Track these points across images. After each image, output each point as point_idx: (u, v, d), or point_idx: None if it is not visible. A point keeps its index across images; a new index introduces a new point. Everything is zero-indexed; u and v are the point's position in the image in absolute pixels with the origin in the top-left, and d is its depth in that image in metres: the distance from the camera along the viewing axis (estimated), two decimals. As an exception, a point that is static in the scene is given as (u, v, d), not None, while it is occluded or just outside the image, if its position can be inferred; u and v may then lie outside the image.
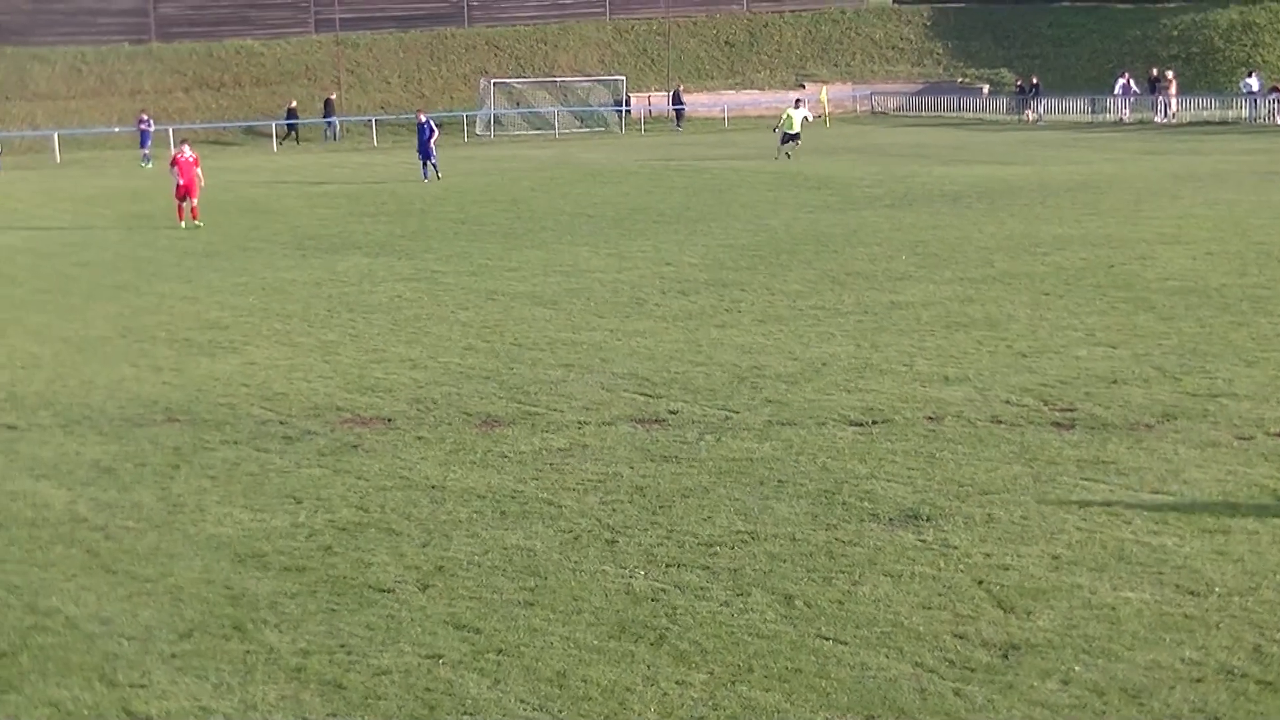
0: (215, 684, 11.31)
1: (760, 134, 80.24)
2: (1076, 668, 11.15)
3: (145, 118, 72.58)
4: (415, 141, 59.21)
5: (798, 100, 70.34)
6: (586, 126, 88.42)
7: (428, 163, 56.19)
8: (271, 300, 29.65)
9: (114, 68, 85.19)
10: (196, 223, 42.91)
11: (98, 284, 32.68)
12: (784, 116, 63.54)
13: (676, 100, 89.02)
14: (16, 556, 14.49)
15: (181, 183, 43.34)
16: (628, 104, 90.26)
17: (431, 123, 57.70)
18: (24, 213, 48.38)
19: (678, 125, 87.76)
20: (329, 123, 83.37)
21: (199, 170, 43.63)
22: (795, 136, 62.42)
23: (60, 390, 21.95)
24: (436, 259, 34.91)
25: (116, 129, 78.52)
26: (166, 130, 77.77)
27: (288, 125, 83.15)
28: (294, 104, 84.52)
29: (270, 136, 79.99)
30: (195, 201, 43.43)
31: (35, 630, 12.48)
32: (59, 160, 72.39)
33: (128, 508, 16.01)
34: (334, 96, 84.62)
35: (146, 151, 69.89)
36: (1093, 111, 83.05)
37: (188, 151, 43.70)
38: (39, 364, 23.94)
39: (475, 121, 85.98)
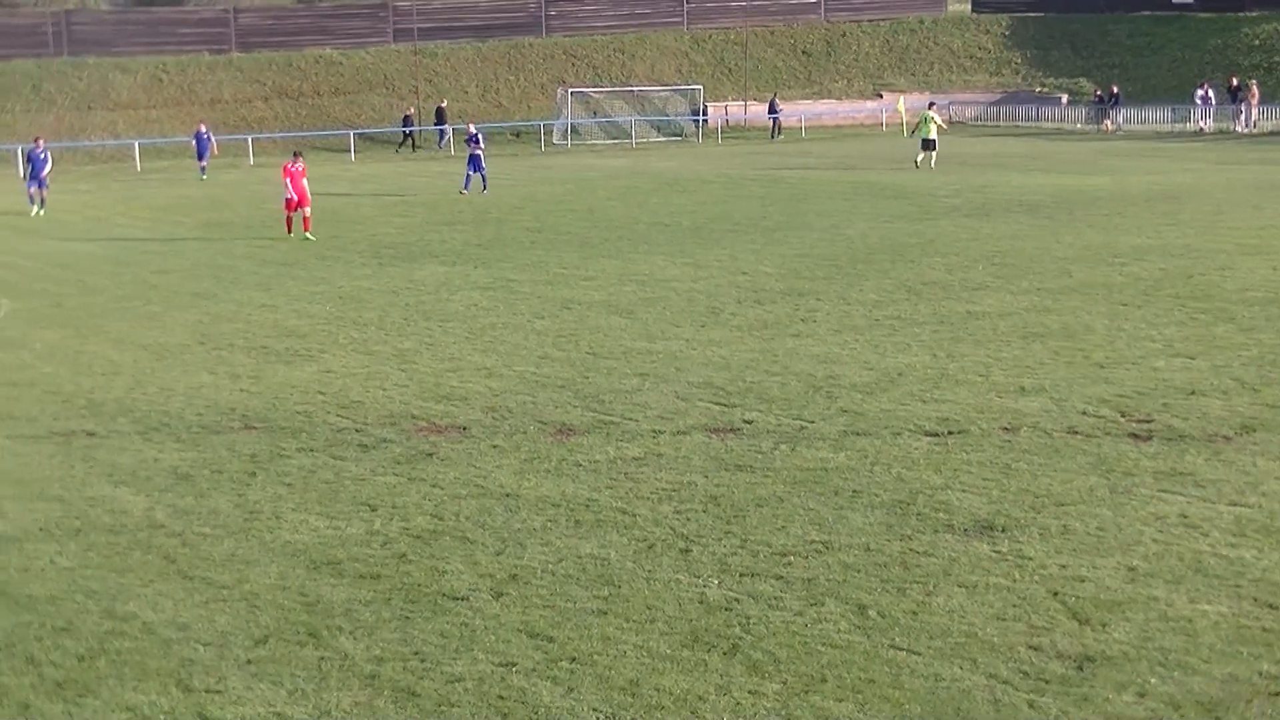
0: (290, 690, 11.38)
1: (837, 143, 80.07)
2: (1152, 680, 11.06)
3: (204, 129, 70.71)
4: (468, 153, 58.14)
5: (931, 103, 69.85)
6: (663, 136, 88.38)
7: (475, 174, 55.02)
8: (348, 308, 29.79)
9: (194, 77, 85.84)
10: (307, 235, 42.27)
11: (177, 292, 32.92)
12: (921, 120, 62.88)
13: (772, 109, 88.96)
14: (95, 562, 14.62)
15: (293, 195, 42.61)
16: (705, 113, 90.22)
17: (480, 135, 56.86)
18: (105, 221, 48.79)
19: (775, 135, 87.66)
20: (441, 130, 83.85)
21: (305, 181, 43.09)
22: (932, 144, 61.63)
23: (139, 397, 22.13)
24: (513, 268, 34.99)
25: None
26: (246, 140, 78.32)
27: (404, 132, 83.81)
28: (410, 111, 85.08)
29: (347, 150, 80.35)
30: (307, 212, 42.66)
31: (113, 635, 12.59)
32: (140, 169, 72.96)
33: (205, 514, 16.13)
34: (445, 104, 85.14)
35: (204, 164, 68.25)
36: (1172, 121, 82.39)
37: (300, 163, 43.36)
38: (119, 371, 24.15)
39: (552, 131, 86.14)
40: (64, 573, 14.30)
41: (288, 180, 42.84)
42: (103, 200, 56.97)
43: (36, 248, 42.21)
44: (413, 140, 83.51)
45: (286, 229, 43.04)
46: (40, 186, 53.14)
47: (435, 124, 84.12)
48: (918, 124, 62.65)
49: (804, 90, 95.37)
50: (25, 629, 12.80)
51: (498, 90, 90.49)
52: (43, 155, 54.84)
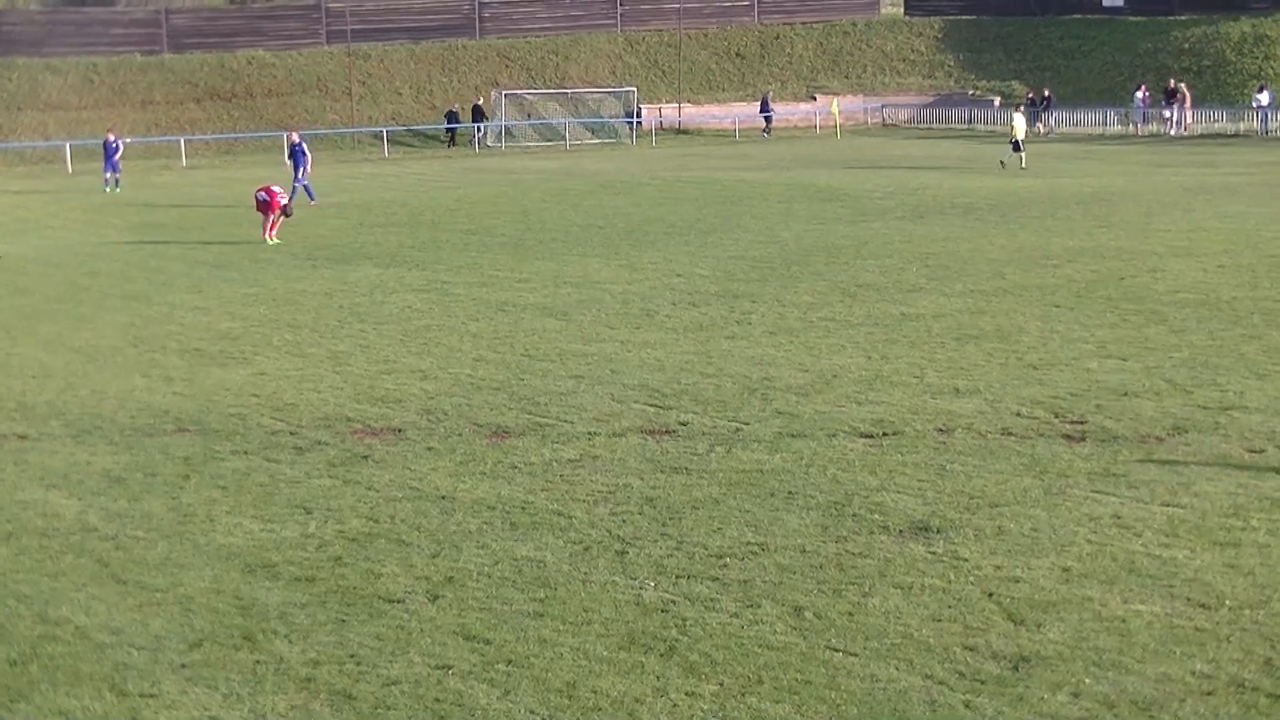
0: (225, 694, 11.32)
1: (771, 145, 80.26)
2: (1087, 680, 11.13)
3: (112, 137, 63.25)
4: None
5: (1018, 104, 69.88)
6: (598, 138, 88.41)
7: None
8: (282, 311, 29.67)
9: (126, 78, 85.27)
10: (274, 240, 41.60)
11: (108, 294, 32.71)
12: (1011, 122, 62.77)
13: (764, 108, 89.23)
14: (27, 566, 14.51)
15: (264, 198, 42.02)
16: (639, 115, 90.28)
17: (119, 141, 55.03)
18: (35, 223, 48.42)
19: (766, 133, 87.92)
20: (477, 127, 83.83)
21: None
22: (1019, 145, 61.38)
23: (71, 400, 21.98)
24: (447, 270, 34.93)
25: (129, 139, 78.61)
26: (179, 141, 77.86)
27: (448, 129, 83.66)
28: (456, 107, 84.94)
29: (281, 151, 79.91)
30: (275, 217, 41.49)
31: (45, 639, 12.50)
32: (70, 170, 72.46)
33: (138, 518, 16.03)
34: (482, 102, 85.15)
35: (110, 175, 61.56)
36: (1104, 124, 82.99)
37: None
38: (50, 373, 23.97)
39: (486, 132, 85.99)
40: (-4, 577, 14.19)
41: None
42: (32, 202, 56.55)
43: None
44: (454, 137, 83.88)
45: (264, 234, 41.89)
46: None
47: (473, 121, 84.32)
48: (1010, 130, 62.20)
49: (738, 92, 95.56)
50: (-44, 634, 12.70)
51: (431, 92, 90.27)
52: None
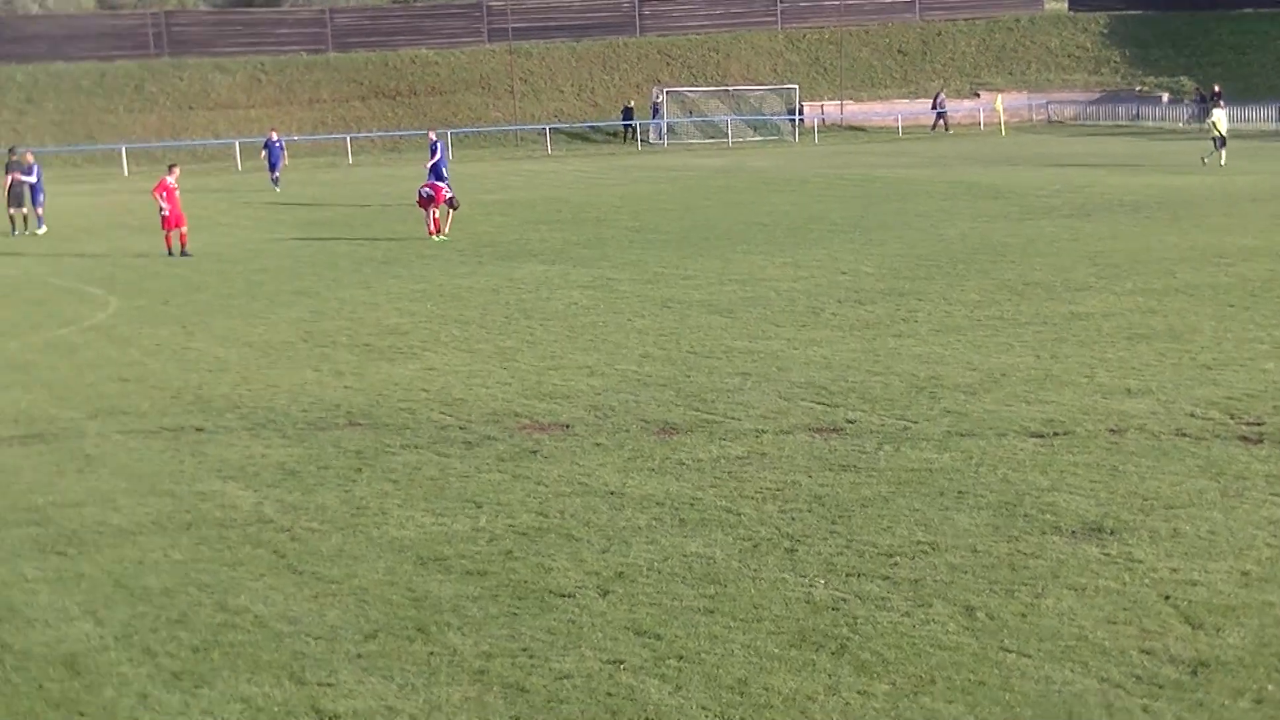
0: (400, 684, 11.44)
1: (933, 143, 79.70)
2: (1269, 686, 10.94)
3: (275, 135, 65.28)
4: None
5: (1219, 98, 69.27)
6: (760, 135, 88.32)
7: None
8: (449, 307, 29.94)
9: (292, 77, 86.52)
10: (441, 236, 42.05)
11: (280, 289, 33.21)
12: (1212, 118, 62.18)
13: (937, 104, 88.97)
14: (206, 556, 14.77)
15: (428, 194, 42.41)
16: (801, 113, 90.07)
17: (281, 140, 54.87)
18: (208, 220, 49.22)
19: (938, 128, 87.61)
20: (656, 125, 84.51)
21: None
22: (1222, 140, 60.73)
23: (246, 393, 22.34)
24: (612, 266, 35.06)
25: (295, 137, 79.72)
26: (344, 139, 78.80)
27: (625, 125, 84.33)
28: (631, 103, 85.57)
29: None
30: (184, 230, 40.60)
31: (226, 627, 12.71)
32: (240, 168, 73.61)
33: (312, 510, 16.26)
34: (660, 99, 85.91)
35: (276, 174, 63.05)
36: (1278, 120, 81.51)
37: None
38: (226, 367, 24.38)
39: (649, 130, 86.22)
40: (177, 566, 14.45)
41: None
42: (203, 200, 57.50)
43: (144, 246, 42.69)
44: (633, 132, 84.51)
45: (431, 230, 42.05)
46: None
47: (652, 117, 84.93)
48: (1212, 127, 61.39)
49: (900, 89, 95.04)
50: (141, 620, 12.95)
51: (593, 89, 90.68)
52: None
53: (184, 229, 40.26)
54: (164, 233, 40.55)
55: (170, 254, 39.78)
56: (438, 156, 53.60)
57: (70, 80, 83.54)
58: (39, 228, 47.55)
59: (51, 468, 18.36)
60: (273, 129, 68.26)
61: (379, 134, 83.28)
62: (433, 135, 55.70)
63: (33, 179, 47.91)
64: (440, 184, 42.80)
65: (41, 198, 48.18)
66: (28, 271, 38.34)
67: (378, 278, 34.55)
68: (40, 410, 21.73)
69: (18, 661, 12.10)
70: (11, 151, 51.38)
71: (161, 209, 40.11)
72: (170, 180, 40.35)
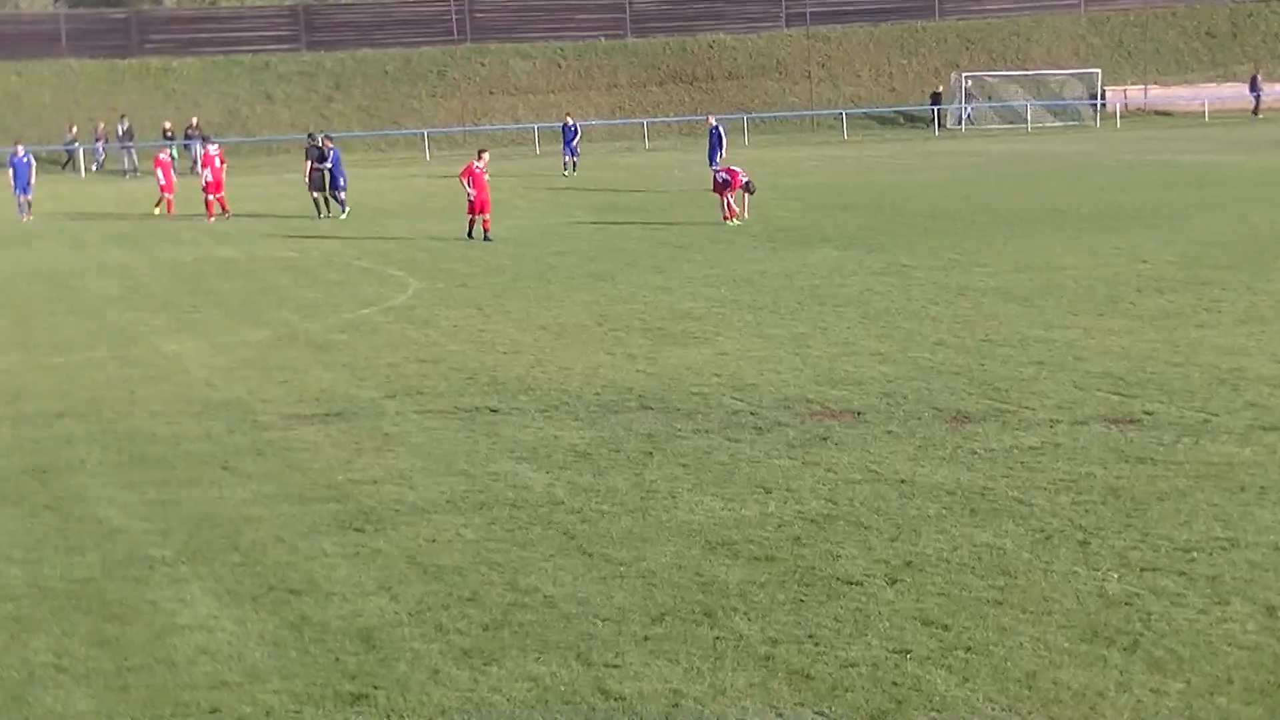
0: (686, 668, 11.50)
1: (1244, 128, 77.57)
2: None
3: (571, 120, 65.86)
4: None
5: None
6: (1059, 120, 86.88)
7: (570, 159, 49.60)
8: (742, 292, 30.01)
9: (591, 62, 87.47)
10: (737, 221, 42.05)
11: (575, 273, 33.62)
12: None
13: (1254, 86, 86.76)
14: (498, 535, 15.02)
15: (725, 178, 42.41)
16: (1103, 97, 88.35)
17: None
18: (505, 204, 49.99)
19: (1256, 114, 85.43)
20: (956, 110, 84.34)
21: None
22: None
23: (539, 376, 22.66)
24: (907, 253, 34.79)
25: (593, 122, 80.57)
26: (641, 124, 79.44)
27: (932, 110, 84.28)
28: (939, 89, 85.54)
29: (741, 133, 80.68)
30: (488, 217, 41.15)
31: (516, 607, 12.92)
32: (539, 152, 74.65)
33: (603, 492, 16.43)
34: (967, 84, 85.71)
35: (569, 159, 63.71)
36: None
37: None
38: (520, 349, 24.77)
39: (945, 115, 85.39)
40: (469, 545, 14.73)
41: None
42: (502, 184, 58.42)
43: (444, 229, 43.57)
44: (939, 118, 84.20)
45: (469, 231, 41.35)
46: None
47: (963, 101, 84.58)
48: None
49: (1208, 73, 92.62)
50: (434, 597, 13.23)
51: (890, 74, 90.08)
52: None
53: (487, 215, 40.72)
54: (468, 217, 41.08)
55: (470, 238, 40.43)
56: (718, 142, 53.69)
57: (376, 66, 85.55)
58: (341, 212, 48.62)
59: (351, 446, 18.85)
60: (568, 114, 69.07)
61: (675, 119, 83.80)
62: (713, 120, 55.71)
63: (328, 165, 48.85)
64: (737, 169, 42.85)
65: (342, 182, 49.19)
66: (331, 254, 39.40)
67: (672, 262, 34.78)
68: (341, 389, 22.34)
69: (316, 634, 12.45)
70: (310, 137, 52.77)
71: (468, 193, 40.69)
72: (478, 165, 40.81)
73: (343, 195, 49.02)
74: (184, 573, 14.20)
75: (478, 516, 15.68)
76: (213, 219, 49.52)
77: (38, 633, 12.74)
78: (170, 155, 55.51)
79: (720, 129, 54.36)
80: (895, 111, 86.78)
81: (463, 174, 41.05)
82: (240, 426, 20.15)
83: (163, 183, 51.99)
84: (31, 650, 12.34)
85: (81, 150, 74.97)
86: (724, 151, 53.26)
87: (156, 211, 51.78)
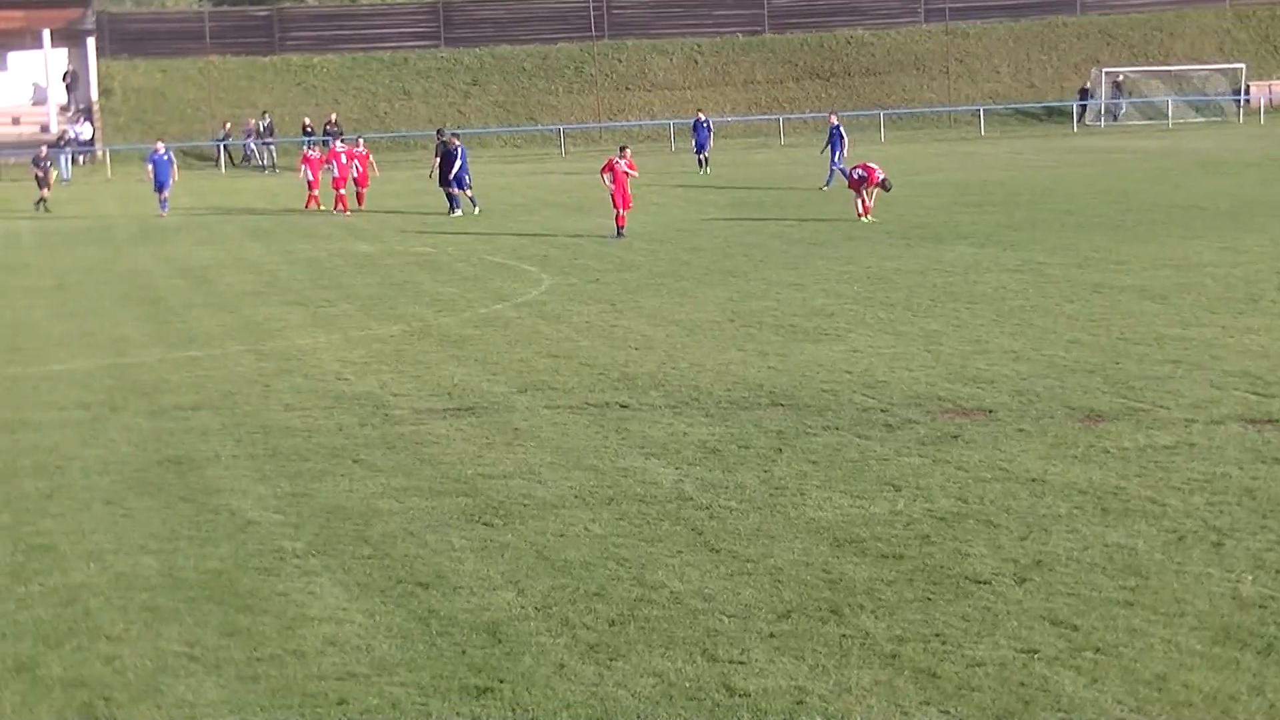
0: (811, 665, 11.48)
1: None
2: None
3: (703, 117, 64.70)
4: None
5: None
6: (1202, 116, 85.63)
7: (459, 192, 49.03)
8: (875, 288, 29.87)
9: (728, 58, 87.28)
10: (871, 217, 41.53)
11: (708, 269, 33.61)
12: None
13: None
14: (626, 530, 15.06)
15: (862, 174, 41.96)
16: (1247, 92, 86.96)
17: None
18: (639, 199, 50.00)
19: None
20: (1096, 105, 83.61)
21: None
22: None
23: (670, 372, 22.68)
24: (1042, 250, 34.45)
25: (729, 119, 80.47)
26: (777, 120, 79.30)
27: (1077, 105, 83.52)
28: (1088, 84, 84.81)
29: (877, 129, 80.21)
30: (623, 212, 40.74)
31: (642, 602, 12.94)
32: (674, 149, 74.65)
33: (731, 488, 16.42)
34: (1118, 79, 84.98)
35: (701, 155, 62.74)
36: None
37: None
38: (652, 345, 24.80)
39: (1085, 111, 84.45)
40: (597, 540, 14.78)
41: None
42: (637, 180, 58.46)
43: (578, 225, 43.73)
44: (1077, 115, 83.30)
45: (618, 226, 40.84)
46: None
47: (1113, 95, 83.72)
48: None
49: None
50: (561, 592, 13.28)
51: (1030, 70, 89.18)
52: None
53: (622, 210, 40.51)
54: (615, 212, 40.78)
55: (620, 234, 40.11)
56: (838, 140, 53.12)
57: (514, 63, 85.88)
58: (473, 208, 48.64)
59: (481, 440, 18.98)
60: (699, 110, 68.91)
61: (811, 115, 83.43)
62: (834, 119, 55.19)
63: (457, 162, 48.70)
64: (874, 165, 42.54)
65: (467, 178, 49.14)
66: (466, 249, 39.64)
67: (805, 259, 34.69)
68: (473, 384, 22.48)
69: (443, 627, 12.54)
70: (439, 134, 52.97)
71: (608, 189, 40.63)
72: (620, 162, 40.73)
73: (470, 192, 48.84)
74: (314, 565, 14.37)
75: (606, 511, 15.72)
76: (346, 213, 50.08)
77: (171, 622, 12.93)
78: (317, 152, 55.80)
79: (841, 128, 53.86)
80: (1035, 108, 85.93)
81: (603, 170, 40.99)
82: (372, 420, 20.35)
83: (310, 179, 52.41)
84: (164, 639, 12.53)
85: (222, 146, 75.90)
86: (844, 151, 52.84)
87: (313, 208, 51.82)
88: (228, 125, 76.44)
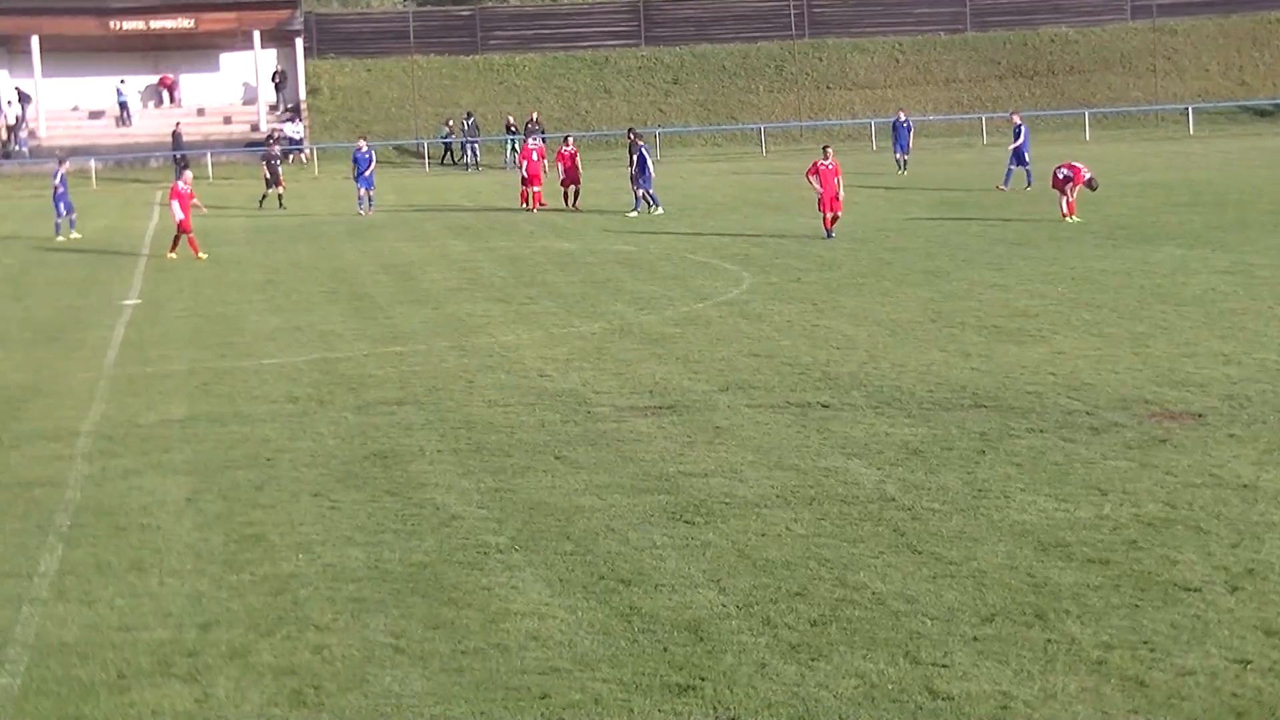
0: (1016, 670, 11.35)
1: None
2: None
3: (903, 116, 64.59)
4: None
5: None
6: None
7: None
8: (1081, 289, 29.46)
9: (930, 57, 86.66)
10: (1076, 218, 40.79)
11: (910, 269, 33.39)
12: None
13: None
14: (828, 531, 15.00)
15: (1067, 173, 41.28)
16: None
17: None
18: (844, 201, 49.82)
19: None
20: None
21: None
22: None
23: (872, 372, 22.56)
24: (1254, 251, 33.74)
25: (930, 118, 79.91)
26: (979, 119, 78.56)
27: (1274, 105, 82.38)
28: None
29: (1081, 129, 79.11)
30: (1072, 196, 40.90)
31: (844, 603, 12.89)
32: (874, 149, 74.23)
33: (934, 490, 16.29)
34: None
35: (900, 156, 62.62)
36: None
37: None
38: (853, 345, 24.68)
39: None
40: (799, 540, 14.74)
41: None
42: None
43: (780, 224, 43.65)
44: None
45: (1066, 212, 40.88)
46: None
47: None
48: None
49: None
50: (762, 591, 13.27)
51: (1241, 68, 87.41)
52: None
53: (827, 213, 39.95)
54: (821, 215, 40.22)
55: (829, 235, 39.84)
56: (1020, 140, 52.40)
57: (714, 61, 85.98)
58: (633, 209, 48.49)
59: (683, 438, 19.02)
60: (900, 110, 68.41)
61: (1011, 115, 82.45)
62: (1017, 119, 54.38)
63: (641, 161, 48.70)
64: (1079, 165, 41.84)
65: (644, 178, 48.80)
66: (667, 248, 39.75)
67: (1009, 259, 34.31)
68: (674, 382, 22.53)
69: (645, 624, 12.58)
70: (630, 134, 52.85)
71: (815, 190, 40.32)
72: (825, 164, 40.34)
73: (651, 192, 48.73)
74: (517, 560, 14.49)
75: (807, 511, 15.67)
76: (534, 209, 50.52)
77: (377, 614, 13.12)
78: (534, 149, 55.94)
79: (1024, 127, 53.10)
80: (1247, 106, 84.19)
81: (808, 172, 40.73)
82: (574, 417, 20.48)
83: (527, 176, 52.58)
84: (371, 630, 12.71)
85: (426, 145, 76.92)
86: (1027, 150, 52.22)
87: (529, 208, 51.84)
88: (449, 123, 77.25)
